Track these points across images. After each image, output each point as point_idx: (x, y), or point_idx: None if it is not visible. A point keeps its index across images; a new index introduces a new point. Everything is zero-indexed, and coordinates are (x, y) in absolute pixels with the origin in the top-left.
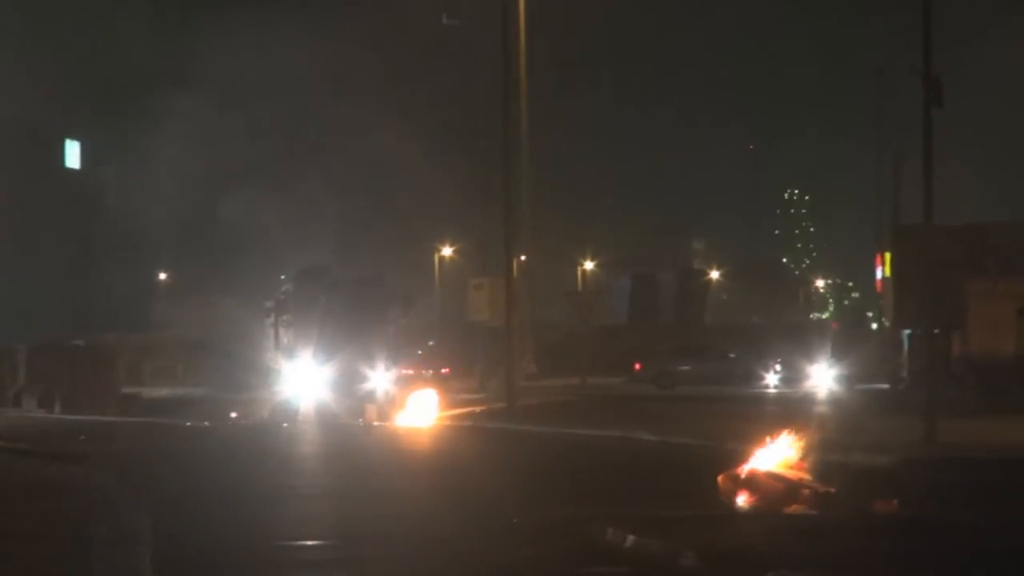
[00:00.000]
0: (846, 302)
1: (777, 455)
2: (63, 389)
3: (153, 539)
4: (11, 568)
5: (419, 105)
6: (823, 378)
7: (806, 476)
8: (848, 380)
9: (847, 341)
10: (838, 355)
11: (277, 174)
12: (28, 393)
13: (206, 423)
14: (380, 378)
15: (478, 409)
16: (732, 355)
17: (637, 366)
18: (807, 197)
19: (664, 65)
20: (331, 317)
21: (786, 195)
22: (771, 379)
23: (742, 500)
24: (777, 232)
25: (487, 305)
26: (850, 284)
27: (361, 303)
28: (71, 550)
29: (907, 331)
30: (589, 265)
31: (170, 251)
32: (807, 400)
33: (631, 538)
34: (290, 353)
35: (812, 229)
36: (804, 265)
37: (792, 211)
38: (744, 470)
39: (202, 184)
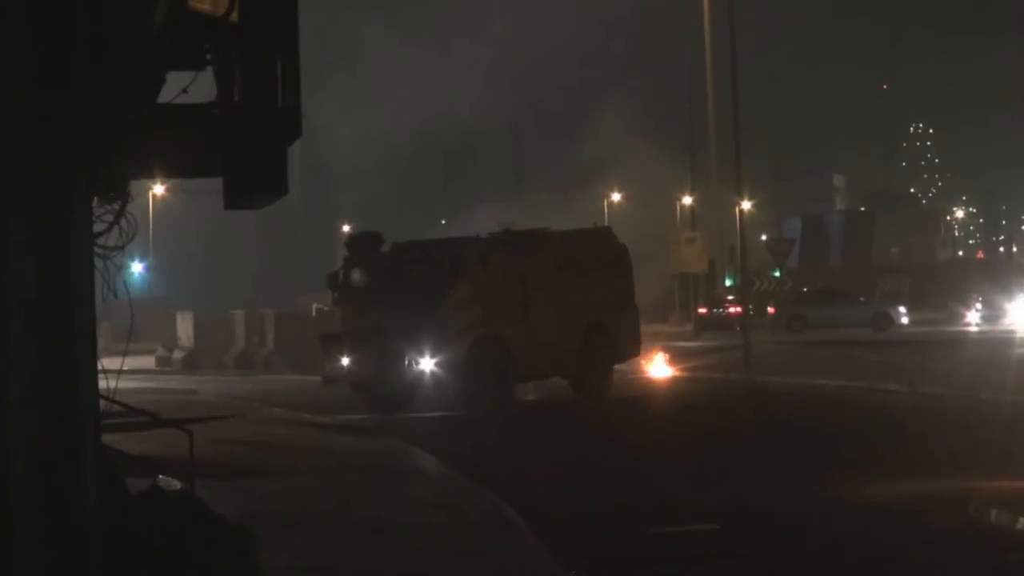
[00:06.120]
0: (978, 235)
1: None
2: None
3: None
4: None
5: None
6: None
7: None
8: None
9: None
10: None
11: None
12: (277, 357)
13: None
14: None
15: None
16: (862, 299)
17: (771, 310)
18: (931, 130)
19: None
20: (374, 293)
21: (911, 129)
22: (972, 317)
23: None
24: (904, 164)
25: (699, 257)
26: (972, 210)
27: (409, 276)
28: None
29: None
30: (747, 206)
31: None
32: (1010, 342)
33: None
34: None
35: (937, 161)
36: (931, 195)
37: (917, 144)
38: None
39: None
